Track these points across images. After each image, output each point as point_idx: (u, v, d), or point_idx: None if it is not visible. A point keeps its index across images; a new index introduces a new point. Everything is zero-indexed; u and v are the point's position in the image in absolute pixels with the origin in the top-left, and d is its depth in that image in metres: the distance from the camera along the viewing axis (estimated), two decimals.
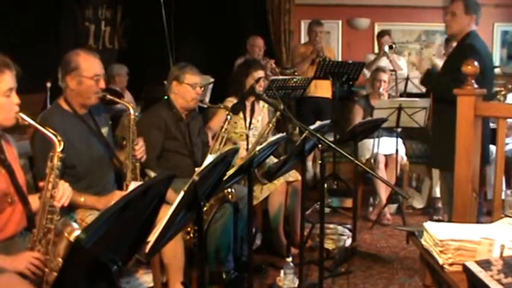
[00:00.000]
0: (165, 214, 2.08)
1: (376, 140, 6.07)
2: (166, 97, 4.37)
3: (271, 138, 3.66)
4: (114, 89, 6.62)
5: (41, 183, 2.60)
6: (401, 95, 6.96)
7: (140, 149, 3.60)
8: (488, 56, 4.22)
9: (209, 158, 2.37)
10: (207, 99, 6.20)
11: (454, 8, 4.31)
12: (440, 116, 4.37)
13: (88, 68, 3.40)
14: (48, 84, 5.39)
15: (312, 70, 6.80)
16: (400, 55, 8.15)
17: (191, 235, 3.80)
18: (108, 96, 3.50)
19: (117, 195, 3.37)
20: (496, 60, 8.84)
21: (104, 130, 3.64)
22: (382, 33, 7.88)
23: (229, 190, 4.00)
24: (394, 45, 7.35)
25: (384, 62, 7.36)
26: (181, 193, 2.13)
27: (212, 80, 6.49)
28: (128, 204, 1.76)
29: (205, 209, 3.76)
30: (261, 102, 5.19)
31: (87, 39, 8.09)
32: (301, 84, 6.11)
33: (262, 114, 5.26)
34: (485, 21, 8.45)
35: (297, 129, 5.97)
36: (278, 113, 4.58)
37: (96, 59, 3.46)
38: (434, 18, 8.58)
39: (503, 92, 6.17)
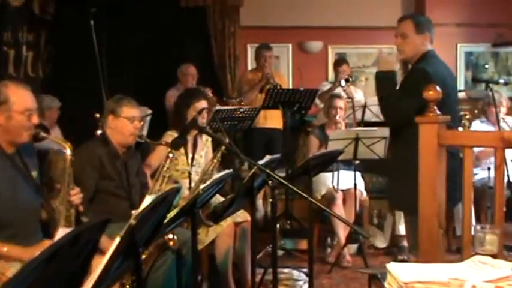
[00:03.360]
0: (99, 264, 2.04)
1: (333, 174, 6.10)
2: (100, 132, 4.33)
3: (217, 176, 3.66)
4: (43, 125, 6.46)
5: None
6: (358, 124, 7.03)
7: (77, 194, 3.55)
8: (447, 80, 4.11)
9: (148, 200, 2.34)
10: (144, 133, 6.12)
11: (403, 29, 4.20)
12: (397, 148, 4.32)
13: (18, 102, 3.35)
14: None
15: (260, 99, 6.81)
16: (356, 82, 8.27)
17: (128, 287, 3.73)
18: (42, 134, 3.47)
19: (46, 245, 3.27)
20: (460, 84, 9.00)
21: (34, 173, 3.57)
22: (339, 62, 7.94)
23: (170, 236, 3.96)
24: (350, 78, 7.35)
25: (339, 90, 7.38)
26: (117, 239, 2.10)
27: (150, 111, 6.48)
28: (55, 254, 1.72)
29: (144, 256, 3.68)
30: (204, 136, 5.19)
31: (6, 66, 7.77)
32: (249, 115, 6.13)
33: (205, 149, 5.27)
34: (448, 42, 8.76)
35: (245, 164, 5.95)
36: (223, 148, 4.59)
37: (27, 91, 3.42)
38: (391, 40, 8.67)
39: (467, 116, 6.27)
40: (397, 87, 4.16)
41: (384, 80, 4.19)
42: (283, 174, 5.15)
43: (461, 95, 7.65)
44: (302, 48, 9.34)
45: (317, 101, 7.18)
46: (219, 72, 8.80)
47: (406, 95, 3.93)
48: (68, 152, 3.49)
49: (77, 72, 8.01)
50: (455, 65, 9.12)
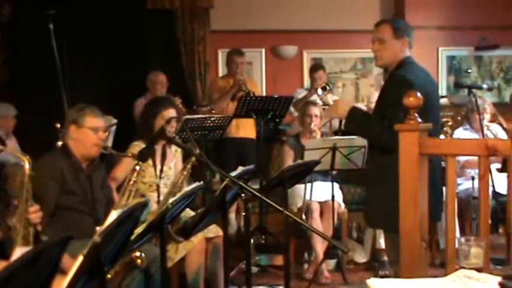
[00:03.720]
0: (61, 285, 2.03)
1: (309, 185, 6.11)
2: (61, 144, 4.30)
3: (186, 188, 3.65)
4: None
5: None
6: (335, 133, 7.01)
7: (36, 212, 3.51)
8: (427, 86, 4.10)
9: (113, 215, 2.33)
10: (109, 143, 6.11)
11: (381, 34, 4.19)
12: (375, 158, 4.27)
13: None
14: None
15: (232, 107, 6.84)
16: (333, 90, 8.26)
17: None
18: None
19: (2, 266, 3.23)
20: (442, 89, 9.08)
21: None
22: (315, 68, 7.96)
23: (137, 254, 3.94)
24: (328, 87, 7.38)
25: (315, 97, 7.44)
26: (80, 258, 2.09)
27: (115, 121, 6.45)
28: (12, 276, 1.70)
29: (109, 276, 3.64)
30: (173, 147, 5.17)
31: None
32: (220, 124, 6.13)
33: (175, 160, 5.25)
34: (428, 45, 8.83)
35: (217, 176, 5.92)
36: (193, 159, 4.58)
37: None
38: (370, 44, 8.71)
39: (450, 123, 6.31)
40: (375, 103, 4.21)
41: (353, 118, 4.21)
42: (257, 186, 5.18)
43: (443, 101, 7.67)
44: (276, 53, 9.34)
45: (292, 109, 7.19)
46: (188, 79, 8.79)
47: (388, 107, 3.93)
48: (27, 165, 3.44)
49: (36, 78, 7.98)
50: (436, 70, 9.18)
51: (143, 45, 8.82)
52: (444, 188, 3.59)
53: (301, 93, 7.82)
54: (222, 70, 8.91)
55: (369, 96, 8.44)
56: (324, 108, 6.75)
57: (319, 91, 7.29)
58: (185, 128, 5.54)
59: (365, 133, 4.35)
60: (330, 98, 7.56)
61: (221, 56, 8.97)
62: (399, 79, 4.03)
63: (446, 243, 3.28)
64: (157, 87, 7.58)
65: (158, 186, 4.84)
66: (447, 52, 9.43)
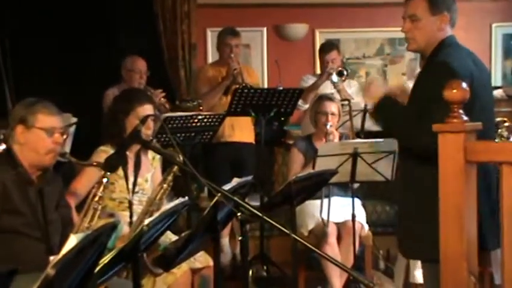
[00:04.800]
0: None
1: (324, 201, 6.10)
2: (4, 149, 4.30)
3: (167, 206, 3.61)
4: None
5: None
6: (357, 135, 6.99)
7: None
8: (476, 74, 3.99)
9: (72, 241, 2.31)
10: (67, 149, 5.95)
11: (413, 9, 4.14)
12: (409, 170, 4.20)
13: None
14: None
15: (225, 102, 6.81)
16: (352, 79, 8.20)
17: None
18: None
19: None
20: (497, 79, 9.04)
21: None
22: (326, 47, 7.83)
23: None
24: (345, 72, 7.33)
25: (328, 89, 7.40)
26: None
27: (74, 120, 6.39)
28: None
29: None
30: (150, 153, 5.17)
31: None
32: (210, 124, 6.14)
33: (152, 171, 5.24)
34: (479, 21, 8.71)
35: (205, 190, 5.92)
36: (176, 168, 4.57)
37: None
38: (400, 22, 8.62)
39: (506, 124, 6.27)
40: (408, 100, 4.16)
41: (384, 110, 4.20)
42: (256, 203, 5.22)
43: (497, 93, 7.59)
44: (280, 33, 9.32)
45: (300, 102, 7.09)
46: (169, 66, 8.82)
47: (427, 101, 3.85)
48: None
49: None
50: (489, 53, 9.06)
51: (110, 22, 8.83)
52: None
53: (309, 80, 7.77)
54: (211, 55, 8.93)
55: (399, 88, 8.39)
56: (342, 104, 6.73)
57: (334, 77, 7.26)
58: (165, 128, 5.51)
59: (398, 133, 4.25)
60: (347, 86, 7.52)
61: (210, 36, 8.97)
62: (440, 67, 3.97)
63: (502, 278, 3.27)
64: (135, 77, 7.54)
65: (131, 203, 4.86)
66: (503, 29, 9.24)
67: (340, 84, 7.30)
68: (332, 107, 6.45)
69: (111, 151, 4.71)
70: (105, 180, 4.22)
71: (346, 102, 6.95)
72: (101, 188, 4.22)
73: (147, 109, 5.02)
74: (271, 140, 7.02)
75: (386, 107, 4.16)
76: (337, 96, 7.04)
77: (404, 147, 4.22)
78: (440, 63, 3.99)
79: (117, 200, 4.97)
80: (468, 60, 4.09)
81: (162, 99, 7.22)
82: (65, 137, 4.57)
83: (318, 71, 8.44)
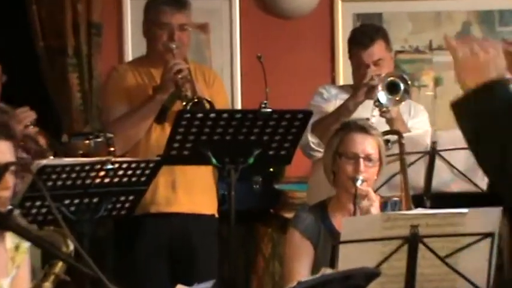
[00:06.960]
0: None
1: None
2: None
3: None
4: None
5: None
6: (418, 199, 5.44)
7: None
8: None
9: None
10: None
11: None
12: None
13: None
14: None
15: (160, 137, 5.31)
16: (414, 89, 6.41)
17: None
18: None
19: None
20: None
21: None
22: (364, 37, 5.66)
23: None
24: (402, 84, 5.42)
25: (365, 112, 5.47)
26: None
27: None
28: None
29: None
30: (10, 237, 4.03)
31: None
32: (130, 181, 4.88)
33: (14, 271, 4.12)
34: None
35: None
36: (60, 265, 3.66)
37: None
38: None
39: None
40: None
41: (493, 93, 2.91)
42: None
43: None
44: (266, 3, 6.82)
45: (309, 137, 5.49)
46: (50, 69, 6.64)
47: None
48: None
49: None
50: None
51: None
52: None
53: (328, 99, 5.78)
54: (133, 47, 6.73)
55: None
56: (387, 141, 5.06)
57: (381, 94, 5.37)
58: (41, 188, 4.25)
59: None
60: (408, 114, 5.71)
61: (130, 10, 6.70)
62: None
63: None
64: None
65: None
66: None
67: (393, 109, 5.40)
68: (368, 146, 4.70)
69: None
70: None
71: (395, 138, 5.18)
72: None
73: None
74: (250, 211, 5.70)
75: (496, 90, 2.84)
76: (380, 126, 5.22)
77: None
78: None
79: None
80: None
81: (31, 127, 5.23)
82: None
83: (342, 79, 6.60)
